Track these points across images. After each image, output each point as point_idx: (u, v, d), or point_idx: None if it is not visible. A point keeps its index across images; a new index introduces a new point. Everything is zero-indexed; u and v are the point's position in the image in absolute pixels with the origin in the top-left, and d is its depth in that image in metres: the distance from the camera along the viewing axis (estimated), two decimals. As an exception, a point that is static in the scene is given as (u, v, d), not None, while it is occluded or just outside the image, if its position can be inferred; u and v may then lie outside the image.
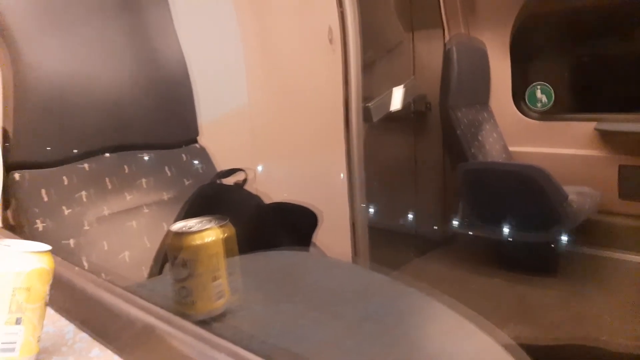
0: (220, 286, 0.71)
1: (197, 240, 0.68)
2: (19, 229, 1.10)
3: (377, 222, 2.39)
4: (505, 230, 2.52)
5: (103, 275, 1.15)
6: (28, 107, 1.12)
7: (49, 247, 0.55)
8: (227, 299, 0.73)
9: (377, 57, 2.95)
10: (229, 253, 0.72)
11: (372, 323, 0.73)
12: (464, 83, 2.80)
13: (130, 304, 0.59)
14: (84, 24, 1.25)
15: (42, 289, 0.54)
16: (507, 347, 0.66)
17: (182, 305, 0.70)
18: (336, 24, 1.92)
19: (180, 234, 0.69)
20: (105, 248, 1.19)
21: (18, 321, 0.52)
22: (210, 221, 0.72)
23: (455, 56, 2.75)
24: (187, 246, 0.68)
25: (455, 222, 3.05)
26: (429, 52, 2.96)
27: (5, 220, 1.10)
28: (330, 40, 1.93)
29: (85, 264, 1.14)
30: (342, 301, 0.80)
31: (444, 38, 2.91)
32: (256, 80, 1.77)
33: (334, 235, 2.02)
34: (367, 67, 2.62)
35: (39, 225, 1.10)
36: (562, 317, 2.13)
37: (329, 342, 0.69)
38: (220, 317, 0.71)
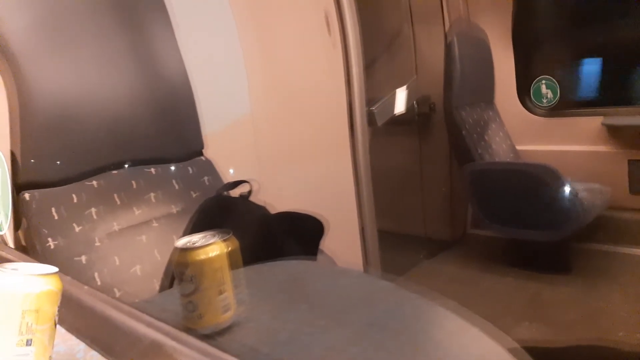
0: (227, 299, 0.72)
1: (202, 255, 0.70)
2: (31, 249, 1.12)
3: (386, 226, 2.39)
4: (516, 229, 2.51)
5: (115, 290, 1.17)
6: (34, 127, 1.15)
7: (56, 269, 0.56)
8: (234, 311, 0.74)
9: (378, 49, 2.91)
10: (233, 266, 0.73)
11: (377, 329, 0.74)
12: (468, 81, 2.76)
13: (138, 321, 0.61)
14: (86, 42, 1.28)
15: (51, 310, 0.55)
16: (512, 351, 0.66)
17: (190, 320, 0.71)
18: (333, 12, 1.90)
19: (184, 250, 0.70)
20: (117, 263, 1.20)
21: (28, 342, 0.53)
22: (214, 235, 0.74)
23: (457, 51, 2.70)
24: (192, 261, 0.70)
25: (464, 223, 3.05)
26: (429, 39, 2.89)
27: (17, 241, 1.12)
28: (329, 31, 1.90)
29: (98, 280, 1.15)
30: (348, 308, 0.81)
31: (443, 25, 2.85)
32: (258, 87, 1.78)
33: (344, 241, 2.02)
34: (369, 61, 2.60)
35: (51, 244, 1.12)
36: (577, 314, 2.12)
37: (335, 349, 0.70)
38: (227, 329, 0.72)
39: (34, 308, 0.53)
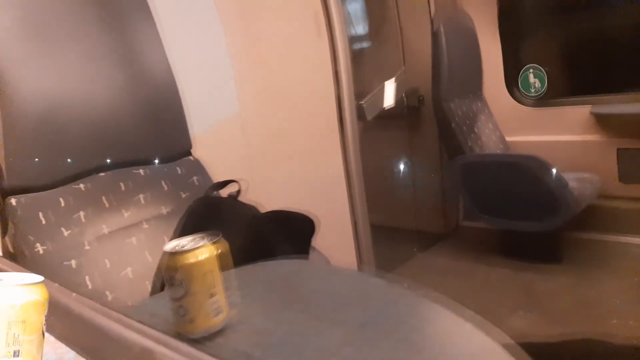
0: (218, 302, 0.72)
1: (191, 258, 0.69)
2: (19, 255, 1.10)
3: (379, 220, 2.39)
4: (507, 220, 2.52)
5: (107, 293, 1.16)
6: (18, 131, 1.13)
7: (41, 278, 0.55)
8: (226, 313, 0.73)
9: (365, 39, 2.88)
10: (224, 268, 0.73)
11: (371, 328, 0.73)
12: (456, 72, 2.75)
13: (127, 328, 0.60)
14: (69, 43, 1.26)
15: (38, 319, 0.54)
16: (506, 347, 0.66)
17: (181, 324, 0.70)
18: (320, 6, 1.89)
19: (173, 254, 0.69)
20: (108, 266, 1.19)
21: (16, 354, 0.52)
22: (203, 238, 0.73)
23: (444, 41, 2.68)
24: (181, 265, 0.69)
25: (456, 216, 3.06)
26: (416, 27, 2.87)
27: (4, 247, 1.11)
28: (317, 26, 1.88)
29: (89, 284, 1.14)
30: (341, 307, 0.80)
31: (429, 11, 2.83)
32: (245, 85, 1.77)
33: (337, 237, 2.02)
34: (356, 52, 2.57)
35: (39, 249, 1.11)
36: (570, 302, 2.13)
37: (329, 349, 0.69)
38: (219, 333, 0.72)
39: (20, 319, 0.52)
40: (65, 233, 1.16)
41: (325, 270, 1.11)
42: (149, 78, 1.40)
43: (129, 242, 1.26)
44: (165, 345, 0.56)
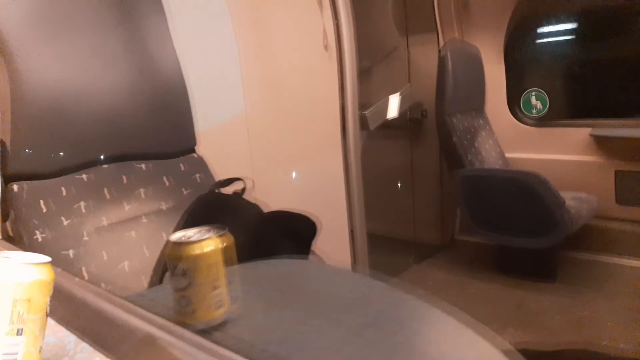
0: (220, 295, 0.71)
1: (197, 249, 0.69)
2: (18, 240, 1.10)
3: (376, 229, 2.39)
4: (503, 236, 2.53)
5: (103, 285, 1.15)
6: (25, 118, 1.13)
7: (48, 259, 0.55)
8: (227, 307, 0.73)
9: (373, 64, 2.95)
10: (228, 262, 0.72)
11: (372, 330, 0.73)
12: (460, 90, 2.80)
13: (131, 314, 0.59)
14: (80, 35, 1.26)
15: (43, 300, 0.54)
16: (506, 353, 0.66)
17: (182, 315, 0.70)
18: (331, 29, 1.93)
19: (179, 244, 0.69)
20: (105, 258, 1.19)
21: (19, 332, 0.52)
22: (209, 231, 0.73)
23: (450, 63, 2.75)
24: (187, 256, 0.68)
25: (453, 228, 3.06)
26: (424, 57, 2.96)
27: (4, 231, 1.10)
28: (326, 47, 1.94)
29: (85, 274, 1.14)
30: (342, 308, 0.80)
31: (438, 43, 2.92)
32: (253, 88, 1.78)
33: (333, 243, 2.02)
34: (364, 73, 2.62)
35: (38, 236, 1.10)
36: (562, 321, 2.13)
37: (330, 349, 0.69)
38: (220, 325, 0.71)
39: (26, 297, 0.52)
40: (65, 222, 1.15)
41: (327, 271, 1.11)
42: (158, 73, 1.40)
43: (127, 236, 1.25)
44: (169, 332, 0.56)
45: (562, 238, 2.35)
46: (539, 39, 3.11)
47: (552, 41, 3.07)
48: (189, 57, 1.46)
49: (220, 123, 1.66)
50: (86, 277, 1.13)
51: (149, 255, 1.25)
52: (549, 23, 3.04)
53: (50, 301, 0.55)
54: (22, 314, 0.52)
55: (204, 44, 1.64)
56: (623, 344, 1.92)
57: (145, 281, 1.21)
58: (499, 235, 2.56)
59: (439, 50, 2.86)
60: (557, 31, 3.06)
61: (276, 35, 1.88)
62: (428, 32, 2.94)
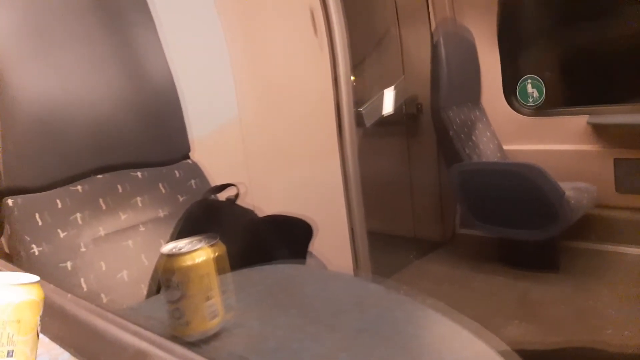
0: (214, 305, 0.71)
1: (188, 261, 0.68)
2: (15, 256, 1.09)
3: (376, 226, 2.39)
4: (504, 229, 2.52)
5: (102, 296, 1.15)
6: (16, 131, 1.12)
7: (37, 278, 0.55)
8: (222, 317, 0.73)
9: (365, 49, 2.92)
10: (221, 272, 0.72)
11: (368, 335, 0.73)
12: (454, 81, 2.77)
13: (122, 330, 0.59)
14: (69, 45, 1.25)
15: (33, 320, 0.54)
16: (503, 354, 0.65)
17: (177, 327, 0.70)
18: (319, 12, 1.89)
19: (170, 256, 0.69)
20: (103, 268, 1.19)
21: (10, 354, 0.52)
22: (201, 241, 0.72)
23: (443, 52, 2.71)
24: (178, 268, 0.68)
25: (453, 223, 3.06)
26: (416, 39, 2.91)
27: (0, 248, 1.10)
28: (315, 32, 1.90)
29: (84, 286, 1.14)
30: (338, 313, 0.80)
31: (429, 25, 2.87)
32: (245, 90, 1.78)
33: (334, 242, 2.02)
34: (357, 61, 2.60)
35: (35, 250, 1.10)
36: (566, 312, 2.13)
37: (326, 355, 0.69)
38: (215, 336, 0.71)
39: (15, 318, 0.52)
40: (62, 234, 1.15)
41: (322, 275, 1.10)
42: (148, 81, 1.40)
43: (125, 245, 1.25)
44: (161, 347, 0.55)
45: (563, 229, 2.35)
46: (532, 20, 3.06)
47: (546, 20, 3.03)
48: (180, 63, 1.46)
49: (215, 128, 1.66)
50: (85, 289, 1.13)
51: (148, 264, 1.25)
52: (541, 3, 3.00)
53: (42, 319, 0.55)
54: (12, 336, 0.52)
55: (194, 49, 1.64)
56: (628, 331, 1.92)
57: (144, 290, 1.21)
58: (500, 229, 2.55)
59: (431, 35, 2.81)
60: (551, 13, 3.01)
61: (266, 33, 1.87)
62: (419, 12, 2.88)
